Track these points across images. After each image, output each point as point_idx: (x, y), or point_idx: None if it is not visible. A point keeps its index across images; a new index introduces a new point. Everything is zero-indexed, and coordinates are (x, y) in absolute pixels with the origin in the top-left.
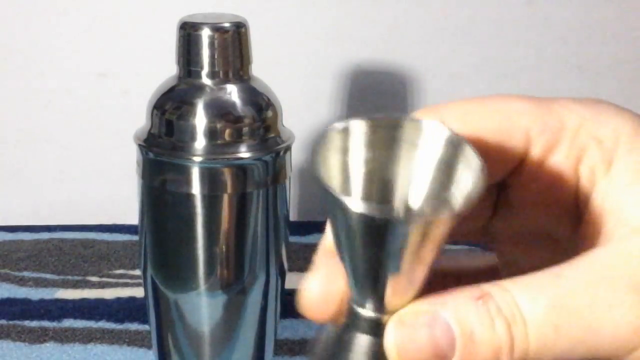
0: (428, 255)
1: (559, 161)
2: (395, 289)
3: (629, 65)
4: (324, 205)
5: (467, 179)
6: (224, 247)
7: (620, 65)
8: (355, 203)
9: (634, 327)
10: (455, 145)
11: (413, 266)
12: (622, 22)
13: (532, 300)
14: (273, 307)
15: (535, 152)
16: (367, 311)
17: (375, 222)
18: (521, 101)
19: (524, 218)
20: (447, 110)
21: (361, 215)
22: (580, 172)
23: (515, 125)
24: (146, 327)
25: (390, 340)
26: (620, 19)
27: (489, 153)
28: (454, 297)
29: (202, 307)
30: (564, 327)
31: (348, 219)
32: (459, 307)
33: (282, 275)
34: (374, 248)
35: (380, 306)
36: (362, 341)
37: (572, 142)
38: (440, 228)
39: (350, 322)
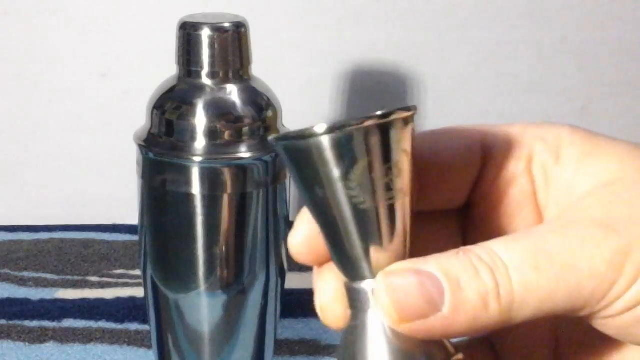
0: (401, 178)
1: (513, 164)
2: (379, 238)
3: (629, 64)
4: (295, 179)
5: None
6: (224, 247)
7: (621, 65)
8: (322, 126)
9: (607, 258)
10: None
11: (387, 195)
12: (622, 21)
13: (509, 249)
14: (273, 307)
15: (491, 163)
16: (359, 282)
17: (345, 135)
18: (473, 125)
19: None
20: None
21: (333, 136)
22: (533, 172)
23: (469, 140)
24: (146, 327)
25: (382, 289)
26: (621, 18)
27: (450, 171)
28: (435, 255)
29: (202, 307)
30: (543, 267)
31: (321, 153)
32: (441, 260)
33: (282, 275)
34: (349, 179)
35: (369, 268)
36: (366, 318)
37: (520, 145)
38: (399, 135)
39: (352, 306)
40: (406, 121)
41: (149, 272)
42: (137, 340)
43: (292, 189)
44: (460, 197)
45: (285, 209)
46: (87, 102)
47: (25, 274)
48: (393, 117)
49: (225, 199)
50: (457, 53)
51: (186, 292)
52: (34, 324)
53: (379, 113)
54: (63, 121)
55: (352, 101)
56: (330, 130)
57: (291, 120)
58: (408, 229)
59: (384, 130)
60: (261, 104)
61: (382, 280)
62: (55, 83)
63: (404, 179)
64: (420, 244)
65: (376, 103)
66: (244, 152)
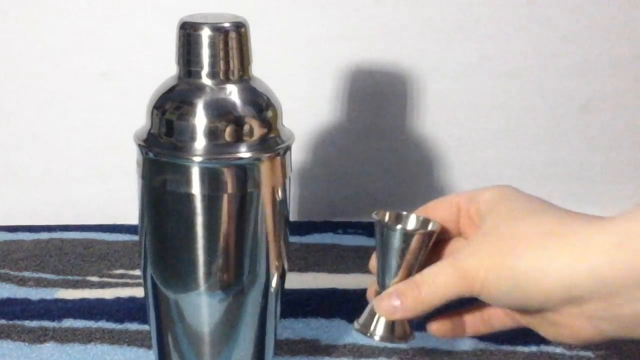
0: (415, 255)
1: (471, 211)
2: (396, 274)
3: (628, 64)
4: (377, 240)
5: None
6: (224, 247)
7: (620, 65)
8: (399, 227)
9: (451, 274)
10: (421, 222)
11: (408, 258)
12: (622, 22)
13: (429, 273)
14: (273, 307)
15: (462, 212)
16: (380, 289)
17: (406, 234)
18: (451, 195)
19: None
20: (422, 208)
21: (401, 231)
22: (479, 214)
23: (452, 203)
24: (146, 327)
25: (376, 303)
26: (620, 18)
27: (447, 221)
28: (398, 284)
29: (202, 307)
30: (435, 281)
31: (394, 237)
32: (398, 287)
33: (282, 275)
34: (399, 251)
35: (388, 281)
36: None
37: (474, 201)
38: (427, 239)
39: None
40: (432, 233)
41: (149, 272)
42: (137, 340)
43: (292, 189)
44: (452, 231)
45: (285, 209)
46: (87, 102)
47: (25, 274)
48: (427, 230)
49: (225, 199)
50: (456, 53)
51: (186, 292)
52: (34, 324)
53: (421, 230)
54: (63, 121)
55: (352, 101)
56: (403, 229)
57: (291, 120)
58: (415, 269)
59: (427, 236)
60: (261, 104)
61: (375, 300)
62: (55, 83)
63: (422, 255)
64: (437, 257)
65: (376, 103)
66: (244, 152)
